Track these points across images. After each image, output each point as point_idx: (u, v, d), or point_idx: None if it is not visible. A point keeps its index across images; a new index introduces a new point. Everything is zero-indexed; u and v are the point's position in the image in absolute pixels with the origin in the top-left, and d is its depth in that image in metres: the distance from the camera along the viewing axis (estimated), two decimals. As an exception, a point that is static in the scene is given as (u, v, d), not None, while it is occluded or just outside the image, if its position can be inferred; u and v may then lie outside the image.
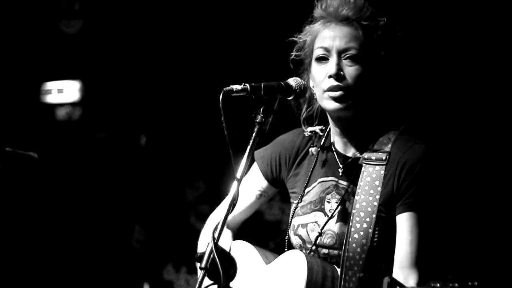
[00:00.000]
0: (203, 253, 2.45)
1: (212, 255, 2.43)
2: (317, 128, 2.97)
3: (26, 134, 5.79)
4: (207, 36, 5.44)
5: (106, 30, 5.88)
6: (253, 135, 2.63)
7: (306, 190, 2.93)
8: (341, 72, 2.79)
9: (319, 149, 2.95)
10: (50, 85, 6.10)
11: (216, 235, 2.46)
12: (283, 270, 2.79)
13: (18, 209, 5.66)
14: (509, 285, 4.04)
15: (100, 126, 5.97)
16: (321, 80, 2.81)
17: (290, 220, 2.94)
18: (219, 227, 2.50)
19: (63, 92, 6.06)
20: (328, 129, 2.95)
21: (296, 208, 2.93)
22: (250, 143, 2.62)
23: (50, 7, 6.06)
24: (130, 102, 5.82)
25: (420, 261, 2.70)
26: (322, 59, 2.84)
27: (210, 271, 2.44)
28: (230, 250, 2.96)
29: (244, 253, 2.95)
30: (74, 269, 5.77)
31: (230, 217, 3.02)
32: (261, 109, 2.65)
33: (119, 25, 5.82)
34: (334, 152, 2.92)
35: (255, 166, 3.10)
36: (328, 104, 2.81)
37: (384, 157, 2.77)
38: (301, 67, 2.92)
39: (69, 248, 5.79)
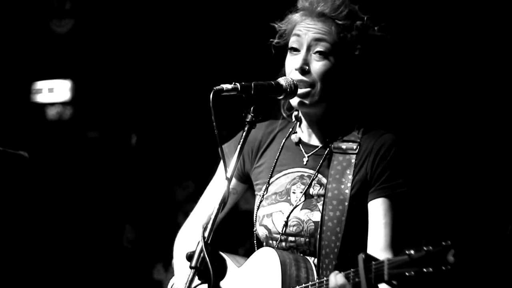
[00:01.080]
0: (193, 252, 2.45)
1: (202, 255, 2.43)
2: (294, 114, 2.97)
3: (17, 133, 5.78)
4: (197, 36, 5.44)
5: (97, 29, 5.88)
6: (243, 134, 2.63)
7: (271, 181, 2.92)
8: (306, 67, 2.80)
9: (284, 135, 2.95)
10: (41, 84, 6.09)
11: (206, 235, 2.46)
12: (256, 269, 2.79)
13: (9, 208, 5.64)
14: (482, 245, 4.08)
15: (91, 125, 5.96)
16: (289, 72, 2.83)
17: (255, 212, 2.94)
18: (209, 226, 2.49)
19: (54, 91, 6.06)
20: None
21: (261, 200, 2.93)
22: (241, 142, 2.62)
23: (41, 6, 6.05)
24: (121, 102, 5.82)
25: (394, 244, 2.71)
26: (293, 49, 2.85)
27: (200, 271, 2.44)
28: None
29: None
30: (64, 268, 5.76)
31: (204, 218, 3.05)
32: (252, 108, 2.64)
33: (110, 25, 5.81)
34: (300, 143, 2.92)
35: (221, 163, 3.07)
36: (293, 100, 2.83)
37: (354, 147, 2.79)
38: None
39: (59, 247, 5.78)
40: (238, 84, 2.63)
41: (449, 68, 4.45)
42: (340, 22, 2.81)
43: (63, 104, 6.04)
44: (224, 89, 2.60)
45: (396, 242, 2.71)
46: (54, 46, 5.97)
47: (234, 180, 3.05)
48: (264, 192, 2.93)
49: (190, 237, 3.10)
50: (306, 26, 2.83)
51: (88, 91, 5.95)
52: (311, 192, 2.83)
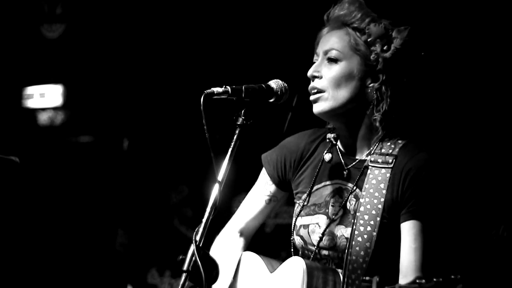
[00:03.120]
0: (185, 256, 2.44)
1: (194, 258, 2.43)
2: (331, 136, 2.97)
3: (8, 138, 5.77)
4: (188, 40, 5.44)
5: (88, 34, 5.87)
6: (235, 137, 2.63)
7: (312, 191, 2.92)
8: (317, 73, 2.81)
9: (326, 146, 2.95)
10: (32, 89, 6.08)
11: (198, 238, 2.46)
12: (284, 278, 2.78)
13: (0, 214, 5.63)
14: (492, 280, 4.07)
15: (83, 130, 5.95)
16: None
17: (294, 220, 2.93)
18: (200, 229, 2.49)
19: (45, 96, 6.04)
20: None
21: (300, 209, 2.92)
22: (232, 146, 2.62)
23: (31, 11, 6.04)
24: (112, 106, 5.81)
25: (424, 269, 2.67)
26: (313, 63, 2.88)
27: (192, 274, 2.44)
28: (239, 262, 2.96)
29: (250, 264, 2.94)
30: (57, 273, 5.75)
31: (242, 225, 3.08)
32: (243, 111, 2.64)
33: (101, 29, 5.81)
34: (340, 154, 2.91)
35: (263, 171, 3.09)
36: (313, 108, 2.84)
37: (390, 160, 2.75)
38: None
39: (52, 252, 5.76)
40: (228, 87, 2.63)
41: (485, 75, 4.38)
42: (355, 25, 2.81)
43: (55, 109, 6.03)
44: (215, 92, 2.60)
45: (425, 267, 2.68)
46: (45, 51, 5.96)
47: (274, 187, 3.04)
48: (304, 202, 2.92)
49: (224, 244, 3.08)
50: (323, 39, 2.86)
51: (80, 96, 5.95)
52: (348, 207, 2.81)
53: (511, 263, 4.12)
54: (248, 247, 3.09)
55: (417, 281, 2.20)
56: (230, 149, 2.62)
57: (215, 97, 2.60)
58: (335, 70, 2.80)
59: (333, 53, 2.81)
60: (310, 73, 2.82)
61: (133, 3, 5.66)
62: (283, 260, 2.93)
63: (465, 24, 4.33)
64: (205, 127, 2.51)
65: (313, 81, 2.82)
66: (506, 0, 4.23)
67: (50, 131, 6.00)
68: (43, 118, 6.07)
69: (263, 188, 3.06)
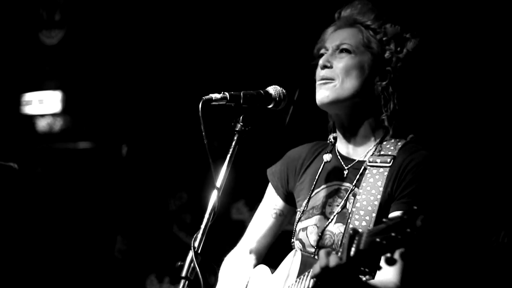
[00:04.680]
0: (184, 262, 2.44)
1: (192, 264, 2.42)
2: (331, 136, 2.99)
3: (6, 144, 5.77)
4: (187, 46, 5.45)
5: (87, 40, 5.88)
6: (233, 143, 2.62)
7: (311, 196, 2.92)
8: (328, 63, 2.84)
9: (326, 152, 2.95)
10: (31, 96, 6.09)
11: (196, 245, 2.46)
12: (282, 270, 2.79)
13: (-1, 221, 5.64)
14: (492, 286, 4.07)
15: (81, 136, 5.95)
16: (316, 80, 2.87)
17: (294, 227, 2.93)
18: (199, 236, 2.49)
19: (44, 103, 6.05)
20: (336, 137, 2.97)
21: (300, 215, 2.92)
22: (230, 152, 2.62)
23: (30, 17, 6.05)
24: (111, 112, 5.81)
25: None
26: (321, 55, 2.89)
27: (191, 281, 2.43)
28: (249, 278, 2.95)
29: (259, 276, 2.94)
30: (56, 279, 5.74)
31: (253, 243, 3.07)
32: (241, 117, 2.64)
33: (100, 35, 5.81)
34: (339, 156, 2.92)
35: (269, 185, 3.10)
36: (317, 95, 2.85)
37: (389, 160, 2.76)
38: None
39: (51, 258, 5.76)
40: (227, 94, 2.63)
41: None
42: (367, 23, 2.86)
43: (53, 115, 6.04)
44: (213, 98, 2.60)
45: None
46: (44, 57, 5.97)
47: (280, 201, 3.05)
48: (304, 208, 2.92)
49: (235, 261, 3.07)
50: (333, 37, 2.89)
51: (78, 102, 5.95)
52: (347, 206, 2.80)
53: (511, 269, 4.12)
54: (260, 263, 3.07)
55: (384, 220, 2.14)
56: (228, 155, 2.62)
57: (213, 103, 2.60)
58: (347, 60, 2.83)
59: (346, 46, 2.84)
60: (322, 62, 2.84)
61: (132, 9, 5.66)
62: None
63: (465, 27, 4.33)
64: (203, 133, 2.51)
65: (323, 69, 2.84)
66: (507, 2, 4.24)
67: (49, 138, 6.01)
68: (42, 124, 6.07)
69: (270, 202, 3.07)
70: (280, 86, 2.78)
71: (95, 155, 5.88)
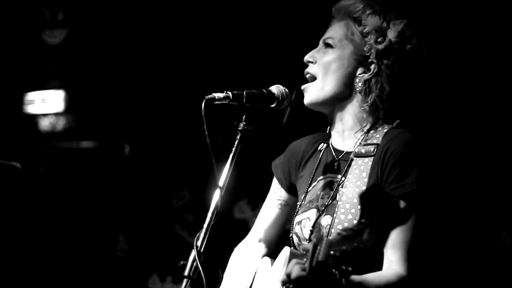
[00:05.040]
0: (186, 262, 2.44)
1: (195, 264, 2.42)
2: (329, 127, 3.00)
3: (9, 144, 5.77)
4: (189, 45, 5.45)
5: (89, 40, 5.88)
6: (236, 143, 2.63)
7: (308, 189, 2.92)
8: (311, 58, 2.87)
9: (325, 144, 2.96)
10: (33, 95, 6.09)
11: (198, 244, 2.46)
12: (276, 267, 2.79)
13: (1, 220, 5.63)
14: (494, 286, 4.07)
15: (84, 135, 5.95)
16: None
17: (292, 221, 2.94)
18: (202, 235, 2.49)
19: (47, 102, 6.05)
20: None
21: (298, 209, 2.93)
22: (233, 151, 2.63)
23: (33, 16, 6.05)
24: (114, 112, 5.81)
25: (410, 250, 2.62)
26: None
27: (193, 280, 2.43)
28: (257, 269, 2.95)
29: (264, 268, 2.95)
30: (58, 279, 5.74)
31: (261, 233, 3.06)
32: (244, 116, 2.64)
33: (103, 35, 5.81)
34: (332, 149, 2.92)
35: (274, 180, 3.11)
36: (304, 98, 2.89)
37: (372, 149, 2.75)
38: None
39: (53, 257, 5.76)
40: (230, 93, 2.63)
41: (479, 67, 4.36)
42: (354, 16, 2.85)
43: (56, 115, 6.04)
44: (216, 97, 2.60)
45: (412, 248, 2.63)
46: (46, 57, 5.97)
47: (284, 192, 3.05)
48: (301, 201, 2.93)
49: (244, 251, 3.06)
50: (327, 31, 2.92)
51: (81, 101, 5.95)
52: (336, 198, 2.79)
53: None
54: (269, 253, 3.07)
55: (338, 231, 2.13)
56: (231, 155, 2.62)
57: (216, 102, 2.61)
58: (328, 55, 2.84)
59: (329, 40, 2.86)
60: (305, 58, 2.88)
61: (135, 8, 5.66)
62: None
63: (459, 23, 4.34)
64: (206, 132, 2.52)
65: (307, 66, 2.87)
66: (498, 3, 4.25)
67: (52, 137, 6.01)
68: (45, 124, 6.07)
69: (274, 194, 3.07)
70: (283, 86, 2.79)
71: (98, 155, 5.88)
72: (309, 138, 3.06)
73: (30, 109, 6.10)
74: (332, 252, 2.12)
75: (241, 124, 2.64)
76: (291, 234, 2.93)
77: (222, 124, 2.87)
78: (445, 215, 4.24)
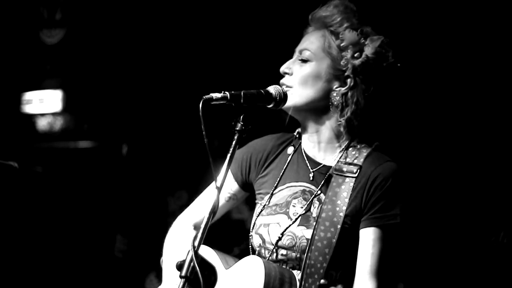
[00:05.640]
0: (183, 262, 2.44)
1: (192, 264, 2.42)
2: (298, 130, 2.98)
3: (7, 143, 5.77)
4: (187, 45, 5.45)
5: (87, 39, 5.88)
6: (233, 143, 2.62)
7: (274, 192, 2.92)
8: (288, 70, 2.84)
9: (294, 148, 2.95)
10: (31, 95, 6.09)
11: (196, 244, 2.45)
12: (241, 276, 2.78)
13: (-1, 219, 5.64)
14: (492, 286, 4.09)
15: (82, 135, 5.96)
16: None
17: (254, 219, 2.93)
18: (199, 235, 2.48)
19: (44, 102, 6.05)
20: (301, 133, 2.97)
21: (261, 209, 2.92)
22: (230, 151, 2.62)
23: (31, 16, 6.05)
24: (112, 112, 5.81)
25: (380, 273, 2.70)
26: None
27: (190, 280, 2.43)
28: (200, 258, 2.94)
29: (206, 259, 2.93)
30: (56, 278, 5.74)
31: (197, 219, 3.06)
32: (241, 117, 2.64)
33: (101, 35, 5.81)
34: (305, 157, 2.92)
35: (226, 168, 3.07)
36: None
37: (355, 170, 2.76)
38: None
39: (50, 257, 5.76)
40: (227, 93, 2.62)
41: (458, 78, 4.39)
42: (332, 29, 2.83)
43: (54, 114, 6.04)
44: (214, 98, 2.59)
45: (382, 272, 2.70)
46: (44, 56, 5.97)
47: (236, 186, 3.03)
48: (266, 202, 2.91)
49: (179, 236, 3.09)
50: (303, 38, 2.89)
51: (79, 101, 5.95)
52: (311, 209, 2.81)
53: (511, 270, 4.12)
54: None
55: (317, 282, 2.19)
56: (228, 155, 2.61)
57: (214, 102, 2.60)
58: (304, 69, 2.81)
59: (305, 54, 2.83)
60: (282, 69, 2.85)
61: (133, 8, 5.67)
62: (237, 256, 2.93)
63: (436, 37, 4.36)
64: (203, 132, 2.51)
65: (283, 77, 2.84)
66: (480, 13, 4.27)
67: (49, 137, 6.01)
68: (42, 123, 6.07)
69: (225, 186, 3.01)
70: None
71: (96, 154, 5.88)
72: (274, 138, 3.03)
73: (28, 108, 6.10)
74: None
75: (239, 124, 2.63)
76: (251, 233, 2.92)
77: (219, 124, 2.88)
78: (444, 216, 4.26)
